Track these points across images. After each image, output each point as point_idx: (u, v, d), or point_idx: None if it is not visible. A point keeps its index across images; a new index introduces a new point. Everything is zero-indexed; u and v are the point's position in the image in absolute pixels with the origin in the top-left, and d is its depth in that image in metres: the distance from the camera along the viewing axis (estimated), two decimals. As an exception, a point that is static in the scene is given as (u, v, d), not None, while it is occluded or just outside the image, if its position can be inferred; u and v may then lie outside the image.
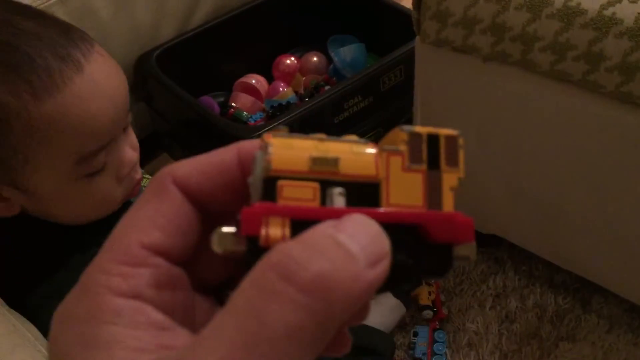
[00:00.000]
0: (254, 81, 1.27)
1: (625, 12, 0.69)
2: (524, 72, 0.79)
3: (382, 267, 0.18)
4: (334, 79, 1.27)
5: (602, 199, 0.85)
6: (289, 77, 1.30)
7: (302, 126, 1.02)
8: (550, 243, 0.99)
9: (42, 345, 0.53)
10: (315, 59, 1.31)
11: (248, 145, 0.21)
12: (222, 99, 1.28)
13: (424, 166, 0.21)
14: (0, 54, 0.56)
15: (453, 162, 0.22)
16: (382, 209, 0.21)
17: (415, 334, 1.02)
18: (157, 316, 0.19)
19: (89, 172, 0.61)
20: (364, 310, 0.21)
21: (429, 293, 1.06)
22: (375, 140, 0.22)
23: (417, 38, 0.88)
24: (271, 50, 1.32)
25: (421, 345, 1.01)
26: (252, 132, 0.98)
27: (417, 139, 0.21)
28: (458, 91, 0.89)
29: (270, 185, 0.19)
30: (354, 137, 0.21)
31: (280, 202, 0.19)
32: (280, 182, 0.19)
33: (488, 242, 1.12)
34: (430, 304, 1.05)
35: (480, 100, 0.87)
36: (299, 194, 0.20)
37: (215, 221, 0.21)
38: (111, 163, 0.63)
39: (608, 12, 0.70)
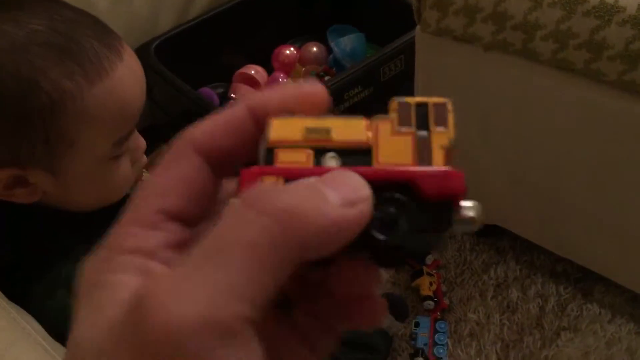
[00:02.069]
0: (253, 72, 1.26)
1: (628, 0, 0.68)
2: (525, 61, 0.79)
3: (358, 210, 0.19)
4: (334, 69, 1.27)
5: (603, 188, 0.84)
6: (288, 67, 1.29)
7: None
8: (551, 232, 0.99)
9: (42, 338, 0.53)
10: (314, 49, 1.30)
11: (255, 97, 0.22)
12: (221, 90, 1.27)
13: (412, 129, 0.22)
14: (53, 39, 0.58)
15: (442, 123, 0.22)
16: (371, 168, 0.21)
17: (417, 325, 1.02)
18: (159, 268, 0.20)
19: (117, 155, 0.64)
20: (363, 275, 0.21)
21: (430, 283, 1.06)
22: None
23: (418, 27, 0.88)
24: (270, 40, 1.31)
25: (422, 335, 1.01)
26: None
27: (406, 106, 0.22)
28: (459, 81, 0.89)
29: (269, 155, 0.21)
30: (352, 116, 0.22)
31: (277, 164, 0.21)
32: (277, 150, 0.21)
33: (489, 233, 1.12)
34: (432, 295, 1.05)
35: (482, 90, 0.87)
36: (293, 158, 0.21)
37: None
38: (131, 147, 0.67)
39: (610, 0, 0.69)
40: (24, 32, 0.58)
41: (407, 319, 1.03)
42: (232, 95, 1.23)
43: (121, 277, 0.19)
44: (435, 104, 0.22)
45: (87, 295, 0.20)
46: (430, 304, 1.04)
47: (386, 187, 0.20)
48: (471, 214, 0.21)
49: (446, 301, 1.06)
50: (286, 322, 0.22)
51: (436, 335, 1.01)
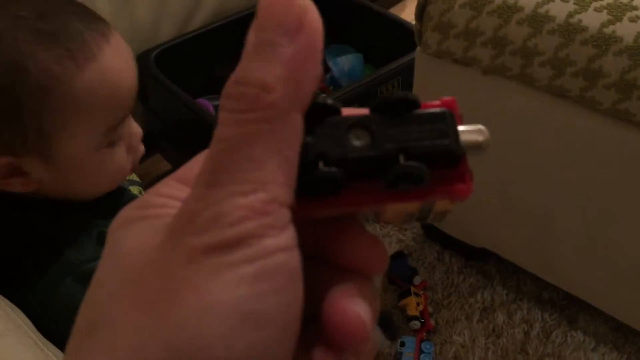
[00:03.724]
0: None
1: (626, 30, 0.70)
2: (522, 86, 0.80)
3: (309, 28, 0.20)
4: (331, 88, 1.28)
5: (594, 215, 0.86)
6: (285, 83, 1.30)
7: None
8: (539, 258, 1.00)
9: (32, 331, 0.53)
10: (312, 67, 1.32)
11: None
12: (217, 103, 1.28)
13: None
14: (39, 25, 0.58)
15: None
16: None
17: (402, 344, 1.02)
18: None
19: (111, 141, 0.64)
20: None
21: (417, 304, 1.06)
22: None
23: (418, 49, 0.89)
24: (269, 56, 1.32)
25: (408, 355, 1.01)
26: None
27: None
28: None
29: None
30: None
31: None
32: None
33: (477, 256, 1.13)
34: (418, 315, 1.05)
35: (478, 112, 0.88)
36: None
37: None
38: (125, 134, 0.66)
39: (608, 30, 0.71)
40: (10, 18, 0.58)
41: (396, 338, 1.03)
42: (229, 107, 1.24)
43: (159, 211, 0.20)
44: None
45: (126, 228, 0.20)
46: (416, 324, 1.04)
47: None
48: (477, 137, 0.21)
49: (432, 322, 1.06)
50: (301, 341, 0.22)
51: (421, 356, 1.01)
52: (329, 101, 0.21)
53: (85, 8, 0.63)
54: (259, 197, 0.18)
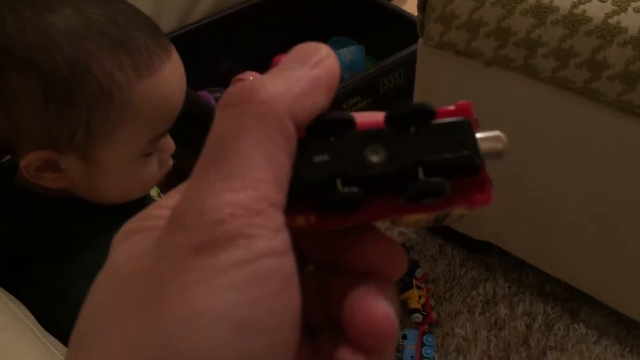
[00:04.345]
0: (251, 78, 1.27)
1: (630, 21, 0.69)
2: (526, 78, 0.80)
3: (327, 62, 0.20)
4: (332, 80, 1.27)
5: (598, 207, 0.85)
6: (287, 76, 1.29)
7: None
8: (542, 251, 0.99)
9: (33, 324, 0.52)
10: (314, 59, 1.31)
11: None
12: (218, 95, 1.27)
13: None
14: (108, 29, 0.59)
15: None
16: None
17: (404, 337, 1.02)
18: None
19: (150, 152, 0.65)
20: None
21: (419, 297, 1.06)
22: None
23: (420, 40, 0.88)
24: (270, 48, 1.31)
25: (410, 348, 1.00)
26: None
27: None
28: (459, 94, 0.89)
29: None
30: None
31: None
32: None
33: (479, 249, 1.13)
34: (420, 308, 1.05)
35: (481, 104, 0.87)
36: None
37: None
38: (160, 146, 0.67)
39: (613, 21, 0.70)
40: (82, 18, 0.59)
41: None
42: (230, 100, 1.23)
43: (157, 222, 0.20)
44: None
45: (123, 239, 0.20)
46: (418, 316, 1.04)
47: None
48: (495, 144, 0.21)
49: (434, 315, 1.06)
50: (310, 348, 0.22)
51: (423, 349, 1.01)
52: (344, 116, 0.20)
53: (152, 22, 0.65)
54: (248, 194, 0.18)
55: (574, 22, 0.72)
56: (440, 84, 0.91)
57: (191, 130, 1.09)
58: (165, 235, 0.18)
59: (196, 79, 1.19)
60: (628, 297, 0.94)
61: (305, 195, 0.19)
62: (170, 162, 0.71)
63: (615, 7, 0.71)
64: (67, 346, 0.56)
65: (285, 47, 1.32)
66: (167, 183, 0.80)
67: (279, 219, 0.18)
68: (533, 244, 0.99)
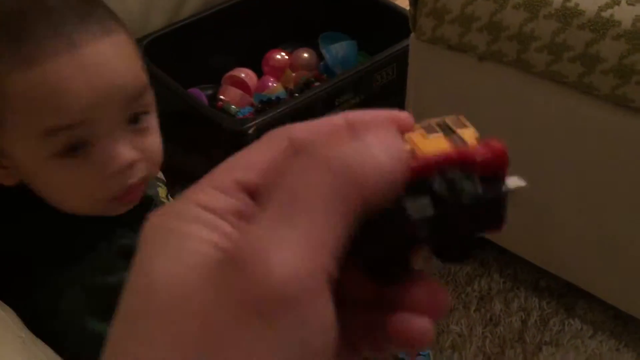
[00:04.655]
0: (243, 75, 1.26)
1: (623, 14, 0.69)
2: (519, 72, 0.79)
3: (402, 160, 0.21)
4: (325, 75, 1.26)
5: (592, 201, 0.85)
6: (279, 72, 1.28)
7: (293, 122, 1.01)
8: (537, 246, 0.99)
9: (20, 329, 0.51)
10: (305, 55, 1.30)
11: (354, 114, 0.24)
12: (210, 92, 1.26)
13: (440, 133, 0.23)
14: (5, 17, 0.58)
15: (463, 126, 0.23)
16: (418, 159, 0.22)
17: (399, 334, 1.01)
18: (229, 229, 0.21)
19: (58, 151, 0.60)
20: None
21: (414, 294, 1.05)
22: None
23: (412, 35, 0.88)
24: (262, 44, 1.30)
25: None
26: (244, 124, 0.97)
27: (426, 123, 0.24)
28: (452, 90, 0.89)
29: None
30: None
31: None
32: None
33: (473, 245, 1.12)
34: (415, 305, 1.04)
35: (474, 99, 0.87)
36: None
37: None
38: (97, 155, 0.61)
39: (606, 14, 0.70)
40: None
41: None
42: (221, 97, 1.22)
43: (194, 227, 0.20)
44: (451, 119, 0.24)
45: (159, 241, 0.20)
46: (413, 314, 1.04)
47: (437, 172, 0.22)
48: (522, 183, 0.23)
49: (429, 312, 1.05)
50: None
51: (418, 346, 1.00)
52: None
53: (84, 13, 0.60)
54: (313, 260, 0.19)
55: (566, 15, 0.72)
56: (433, 79, 0.90)
57: (183, 128, 1.08)
58: (223, 277, 0.19)
59: (187, 76, 1.18)
60: (623, 292, 0.94)
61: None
62: (132, 179, 0.62)
63: (608, 0, 0.70)
64: (58, 353, 0.55)
65: (276, 43, 1.31)
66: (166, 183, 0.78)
67: (328, 293, 0.19)
68: (528, 239, 0.98)
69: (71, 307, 0.60)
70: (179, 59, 1.17)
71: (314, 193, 0.19)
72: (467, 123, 0.24)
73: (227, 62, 1.28)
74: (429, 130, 0.23)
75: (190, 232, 0.20)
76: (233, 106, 1.18)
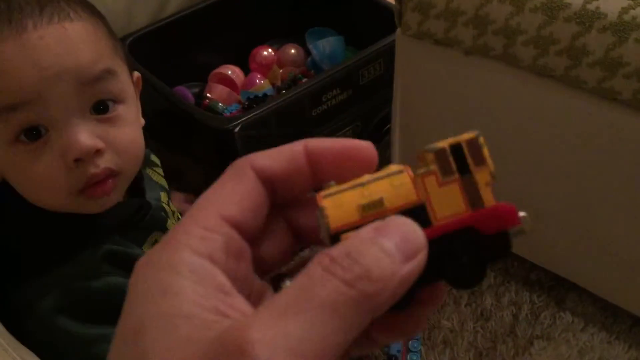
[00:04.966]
0: (229, 72, 1.24)
1: (609, 6, 0.68)
2: (506, 66, 0.78)
3: (418, 261, 0.21)
4: (312, 71, 1.25)
5: (581, 195, 0.84)
6: (265, 69, 1.27)
7: (280, 119, 1.00)
8: (527, 240, 0.98)
9: (2, 337, 0.50)
10: (292, 51, 1.29)
11: (314, 142, 0.25)
12: (196, 90, 1.25)
13: (456, 175, 0.23)
14: None
15: (480, 161, 0.24)
16: (431, 227, 0.23)
17: (391, 331, 1.01)
18: (223, 280, 0.22)
19: (14, 136, 0.59)
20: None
21: (405, 290, 1.05)
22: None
23: (398, 30, 0.87)
24: (248, 41, 1.29)
25: (396, 342, 1.00)
26: (230, 122, 0.96)
27: (442, 154, 0.23)
28: (439, 85, 0.88)
29: (335, 240, 0.23)
30: (391, 169, 0.24)
31: None
32: (343, 236, 0.23)
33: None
34: (406, 301, 1.04)
35: (462, 94, 0.86)
36: None
37: (282, 205, 0.26)
38: (55, 141, 0.59)
39: (592, 6, 0.69)
40: None
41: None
42: (208, 94, 1.21)
43: (184, 282, 0.21)
44: (468, 142, 0.24)
45: (150, 295, 0.21)
46: (404, 310, 1.03)
47: (450, 235, 0.23)
48: (522, 227, 0.24)
49: (420, 308, 1.05)
50: None
51: (410, 342, 1.00)
52: None
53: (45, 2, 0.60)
54: None
55: (552, 8, 0.71)
56: (420, 74, 0.90)
57: (168, 127, 1.07)
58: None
59: (172, 74, 1.16)
60: (613, 285, 0.93)
61: None
62: (95, 169, 0.60)
63: (594, -7, 0.69)
64: (34, 352, 0.54)
65: (263, 40, 1.29)
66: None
67: None
68: (517, 233, 0.98)
69: (49, 306, 0.59)
70: (163, 57, 1.15)
71: (325, 304, 0.20)
72: (485, 151, 0.23)
73: (213, 60, 1.27)
74: (445, 169, 0.23)
75: (180, 288, 0.21)
76: (220, 104, 1.17)
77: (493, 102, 0.84)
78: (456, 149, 0.23)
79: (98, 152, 0.60)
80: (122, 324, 0.21)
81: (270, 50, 1.28)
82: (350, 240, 0.21)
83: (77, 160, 0.59)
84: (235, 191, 0.24)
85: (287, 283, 0.23)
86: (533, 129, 0.83)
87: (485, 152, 0.24)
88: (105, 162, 0.61)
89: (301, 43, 1.30)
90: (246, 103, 1.17)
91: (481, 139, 0.24)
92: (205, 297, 0.21)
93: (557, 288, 1.06)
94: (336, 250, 0.21)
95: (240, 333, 0.19)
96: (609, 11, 0.68)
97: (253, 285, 0.25)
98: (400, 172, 0.23)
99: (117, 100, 0.63)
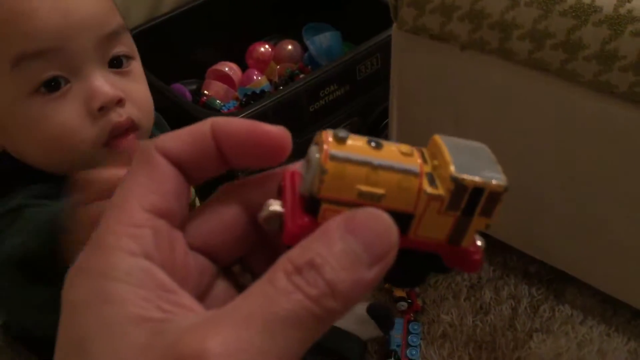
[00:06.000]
0: (227, 69, 1.24)
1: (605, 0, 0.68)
2: (501, 61, 0.78)
3: (385, 263, 0.20)
4: (309, 67, 1.25)
5: (578, 188, 0.84)
6: (263, 65, 1.27)
7: (277, 115, 1.00)
8: (525, 233, 0.99)
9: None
10: (289, 47, 1.29)
11: (220, 122, 0.23)
12: (194, 87, 1.25)
13: (458, 212, 0.23)
14: None
15: (488, 213, 0.23)
16: (406, 237, 0.23)
17: (390, 326, 1.01)
18: (162, 276, 0.21)
19: (34, 87, 0.58)
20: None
21: (404, 284, 1.05)
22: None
23: (394, 25, 0.87)
24: (245, 37, 1.29)
25: (396, 337, 1.00)
26: (225, 119, 0.96)
27: (462, 191, 0.22)
28: (435, 79, 0.88)
29: (315, 204, 0.22)
30: (411, 161, 0.23)
31: (320, 222, 0.22)
32: (324, 206, 0.22)
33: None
34: (405, 296, 1.04)
35: (458, 89, 0.86)
36: None
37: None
38: (77, 91, 0.59)
39: (587, 0, 0.69)
40: None
41: (389, 333, 1.01)
42: (205, 91, 1.21)
43: (123, 287, 0.20)
44: (491, 193, 0.23)
45: (90, 304, 0.20)
46: (403, 305, 1.03)
47: (416, 252, 0.23)
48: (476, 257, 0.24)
49: (419, 302, 1.05)
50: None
51: (409, 337, 1.00)
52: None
53: None
54: None
55: (548, 2, 0.71)
56: (417, 69, 0.90)
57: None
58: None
59: (169, 71, 1.16)
60: (612, 277, 0.94)
61: None
62: (120, 117, 0.60)
63: (589, -14, 0.69)
64: None
65: (260, 36, 1.29)
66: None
67: None
68: (516, 226, 0.98)
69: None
70: (160, 54, 1.15)
71: (282, 317, 0.19)
72: (498, 208, 0.23)
73: (210, 56, 1.27)
74: (454, 203, 0.23)
75: (119, 295, 0.20)
76: (218, 101, 1.17)
77: (489, 96, 0.84)
78: (477, 192, 0.23)
79: (120, 102, 0.60)
80: (63, 337, 0.20)
81: (267, 46, 1.28)
82: (316, 240, 0.20)
83: (101, 109, 0.59)
84: (150, 179, 0.22)
85: (272, 204, 0.23)
86: (530, 122, 0.83)
87: (499, 207, 0.23)
88: (126, 112, 0.61)
89: (298, 39, 1.29)
90: (244, 99, 1.17)
91: (504, 195, 0.23)
92: (149, 299, 0.20)
93: (556, 281, 1.06)
94: (300, 258, 0.20)
95: (199, 344, 0.18)
96: (605, 4, 0.68)
97: (193, 269, 0.24)
98: (415, 175, 0.22)
99: (130, 56, 0.64)
